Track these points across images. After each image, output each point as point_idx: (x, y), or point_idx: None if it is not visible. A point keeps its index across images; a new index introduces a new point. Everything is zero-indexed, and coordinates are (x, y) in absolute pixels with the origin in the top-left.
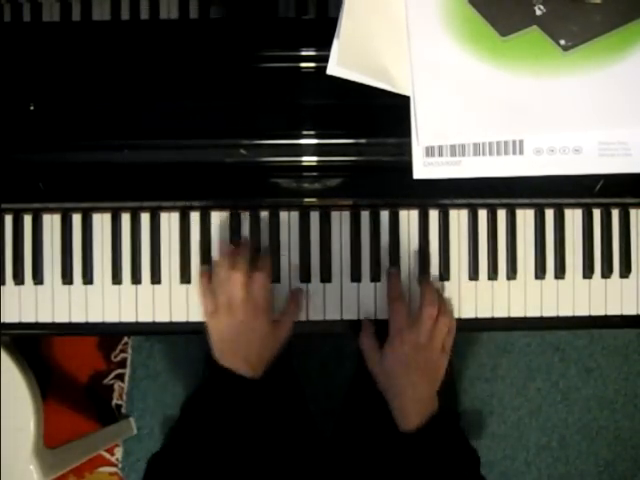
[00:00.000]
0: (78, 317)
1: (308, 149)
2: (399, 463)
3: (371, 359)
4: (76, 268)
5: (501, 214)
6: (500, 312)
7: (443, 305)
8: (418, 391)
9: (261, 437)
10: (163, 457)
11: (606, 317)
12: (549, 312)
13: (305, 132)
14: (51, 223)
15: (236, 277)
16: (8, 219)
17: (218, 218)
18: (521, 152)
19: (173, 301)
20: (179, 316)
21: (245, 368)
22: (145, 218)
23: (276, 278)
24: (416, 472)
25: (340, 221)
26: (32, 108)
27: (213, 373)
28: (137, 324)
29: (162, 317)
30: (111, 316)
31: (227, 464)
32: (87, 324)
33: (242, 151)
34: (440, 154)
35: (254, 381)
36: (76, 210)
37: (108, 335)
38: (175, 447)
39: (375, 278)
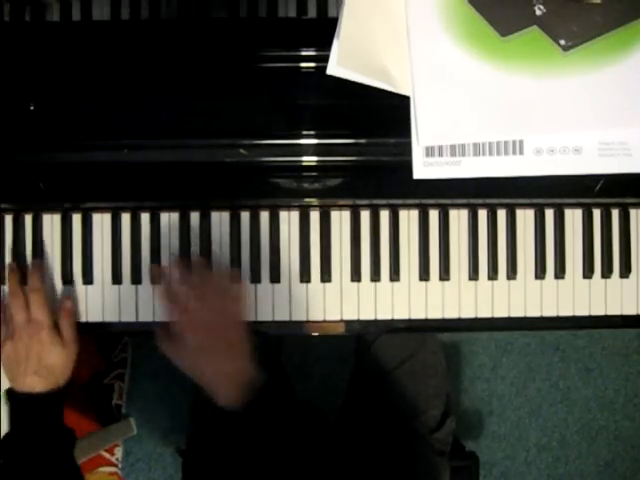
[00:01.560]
0: (78, 317)
1: (308, 149)
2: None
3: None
4: (76, 268)
5: (501, 214)
6: (500, 312)
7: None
8: (218, 366)
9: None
10: None
11: (606, 317)
12: (549, 312)
13: (305, 132)
14: (51, 223)
15: (14, 302)
16: (8, 219)
17: (218, 218)
18: (521, 152)
19: None
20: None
21: (41, 385)
22: (145, 218)
23: (276, 278)
24: (253, 448)
25: (340, 221)
26: (32, 108)
27: (13, 403)
28: (137, 324)
29: (162, 317)
30: (111, 316)
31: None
32: (87, 324)
33: (242, 151)
34: (440, 154)
35: (53, 395)
36: (76, 210)
37: (108, 335)
38: None
39: (375, 278)
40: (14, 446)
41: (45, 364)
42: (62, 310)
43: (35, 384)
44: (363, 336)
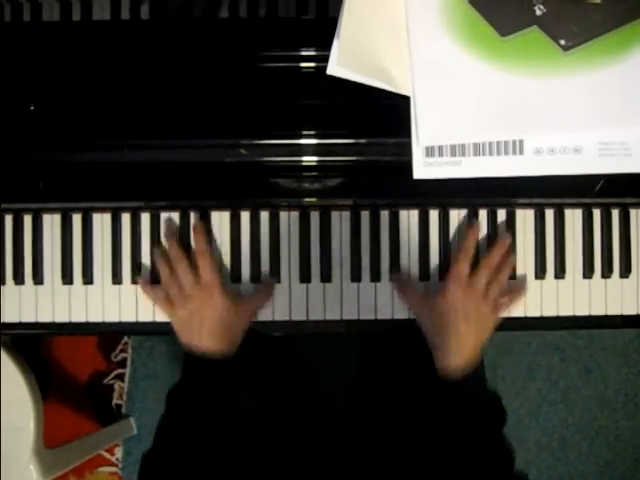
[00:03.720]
0: (78, 317)
1: (308, 149)
2: (434, 409)
3: (415, 304)
4: (76, 268)
5: (501, 214)
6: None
7: (507, 265)
8: (463, 340)
9: (253, 424)
10: (155, 455)
11: (606, 317)
12: (549, 312)
13: (305, 132)
14: (51, 223)
15: (179, 265)
16: (8, 219)
17: (218, 218)
18: (521, 152)
19: None
20: None
21: (215, 346)
22: (145, 218)
23: (276, 278)
24: (448, 420)
25: (340, 221)
26: (32, 108)
27: (187, 363)
28: (137, 324)
29: (162, 317)
30: (111, 316)
31: (218, 453)
32: (87, 324)
33: (242, 151)
34: (440, 154)
35: (228, 360)
36: (76, 210)
37: (108, 335)
38: (164, 444)
39: (375, 278)
40: (182, 403)
41: (219, 325)
42: (261, 289)
43: (210, 345)
44: (368, 337)
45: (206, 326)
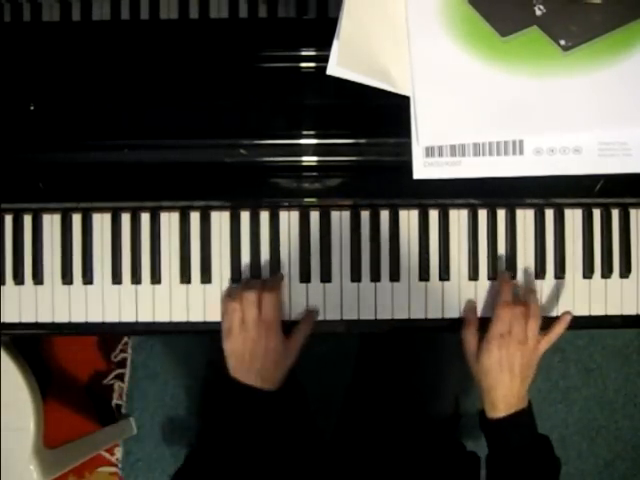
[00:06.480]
0: (78, 317)
1: (308, 149)
2: (491, 445)
3: (469, 355)
4: (76, 268)
5: (501, 214)
6: None
7: (532, 304)
8: (509, 388)
9: (272, 444)
10: (186, 473)
11: (606, 317)
12: (549, 312)
13: (305, 132)
14: (51, 223)
15: (248, 296)
16: (8, 219)
17: (218, 218)
18: (521, 152)
19: (173, 301)
20: (179, 316)
21: (259, 383)
22: (145, 218)
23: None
24: (496, 457)
25: (340, 221)
26: (32, 108)
27: (230, 389)
28: (137, 324)
29: (162, 317)
30: (111, 316)
31: (247, 474)
32: (87, 324)
33: (242, 151)
34: (440, 154)
35: (270, 393)
36: (76, 210)
37: (108, 335)
38: (197, 462)
39: (375, 278)
40: (224, 426)
41: (269, 364)
42: (304, 320)
43: (257, 381)
44: (366, 339)
45: (256, 364)
